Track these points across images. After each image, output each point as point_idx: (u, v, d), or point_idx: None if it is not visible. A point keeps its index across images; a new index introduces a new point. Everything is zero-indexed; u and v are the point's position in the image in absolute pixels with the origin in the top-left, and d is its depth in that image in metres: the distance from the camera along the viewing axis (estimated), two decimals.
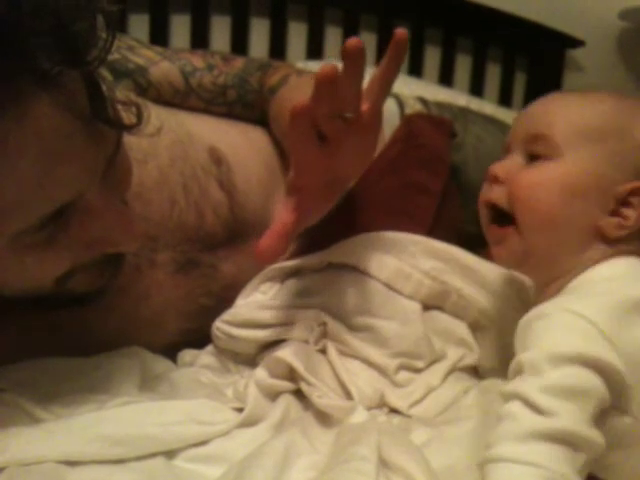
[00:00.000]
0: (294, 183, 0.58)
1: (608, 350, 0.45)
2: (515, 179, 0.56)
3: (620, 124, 0.54)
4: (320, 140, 0.54)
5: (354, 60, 0.50)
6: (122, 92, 0.72)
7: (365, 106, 0.55)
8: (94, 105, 0.49)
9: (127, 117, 0.55)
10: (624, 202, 0.53)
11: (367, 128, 0.56)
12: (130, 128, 0.54)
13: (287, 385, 0.61)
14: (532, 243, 0.55)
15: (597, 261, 0.54)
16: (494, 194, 0.58)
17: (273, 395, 0.61)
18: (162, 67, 0.78)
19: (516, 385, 0.45)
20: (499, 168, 0.58)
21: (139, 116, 0.55)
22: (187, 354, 0.71)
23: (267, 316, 0.67)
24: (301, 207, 0.58)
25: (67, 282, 0.56)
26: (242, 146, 0.78)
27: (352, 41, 0.49)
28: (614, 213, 0.54)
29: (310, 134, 0.53)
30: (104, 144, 0.51)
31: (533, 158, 0.56)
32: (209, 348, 0.71)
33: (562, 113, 0.56)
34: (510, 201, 0.56)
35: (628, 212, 0.53)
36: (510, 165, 0.57)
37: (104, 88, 0.51)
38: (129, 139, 0.63)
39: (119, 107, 0.55)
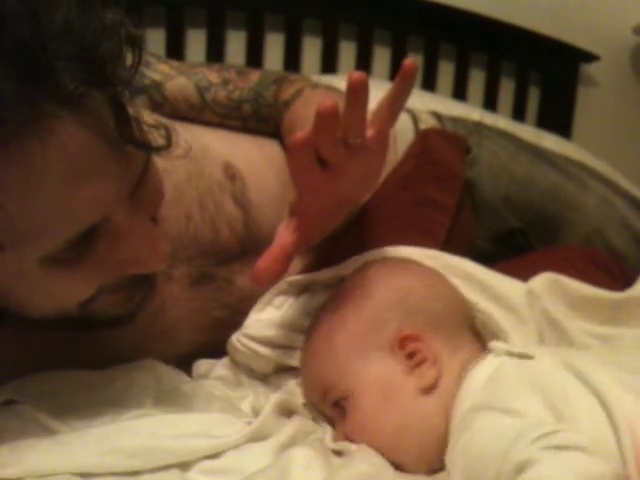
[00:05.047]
0: (297, 206, 0.58)
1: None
2: (349, 434, 0.58)
3: None
4: (323, 165, 0.54)
5: (358, 94, 0.50)
6: (146, 113, 0.72)
7: (371, 132, 0.54)
8: (120, 126, 0.49)
9: (155, 139, 0.55)
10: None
11: (373, 153, 0.56)
12: (157, 150, 0.54)
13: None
14: None
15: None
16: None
17: (289, 412, 0.62)
18: (178, 82, 0.78)
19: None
20: (337, 438, 0.59)
21: (168, 138, 0.56)
22: (202, 364, 0.71)
23: (284, 336, 0.68)
24: (303, 229, 0.58)
25: (90, 305, 0.56)
26: (257, 160, 0.78)
27: (356, 75, 0.49)
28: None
29: (311, 161, 0.53)
30: (131, 165, 0.51)
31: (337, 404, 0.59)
32: (224, 360, 0.71)
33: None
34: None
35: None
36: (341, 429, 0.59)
37: (130, 110, 0.51)
38: None
39: (147, 129, 0.55)
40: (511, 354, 0.56)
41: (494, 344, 0.58)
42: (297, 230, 0.58)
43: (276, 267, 0.57)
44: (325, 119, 0.50)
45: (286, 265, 0.58)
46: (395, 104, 0.55)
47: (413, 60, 0.52)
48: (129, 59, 0.50)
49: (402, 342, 0.58)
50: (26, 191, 0.46)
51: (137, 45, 0.50)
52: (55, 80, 0.44)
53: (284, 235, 0.58)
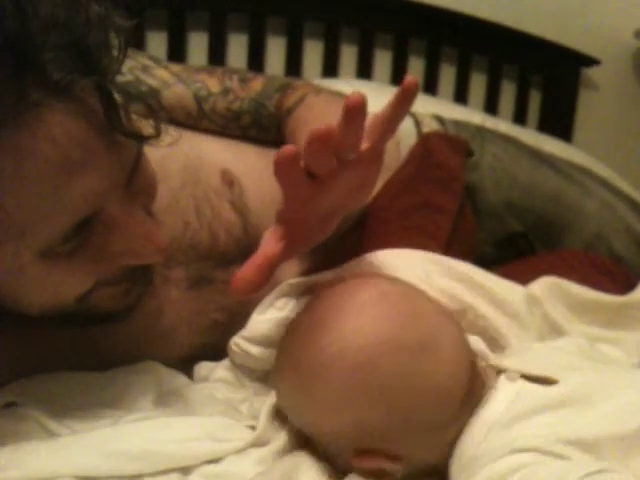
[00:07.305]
0: (283, 214, 0.56)
1: None
2: None
3: None
4: (310, 177, 0.52)
5: (355, 116, 0.48)
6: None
7: (365, 145, 0.53)
8: (109, 115, 0.49)
9: (145, 129, 0.55)
10: None
11: (366, 167, 0.54)
12: (147, 138, 0.54)
13: None
14: None
15: None
16: None
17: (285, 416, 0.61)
18: (175, 91, 0.77)
19: None
20: None
21: (157, 128, 0.55)
22: (203, 367, 0.71)
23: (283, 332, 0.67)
24: (289, 238, 0.55)
25: (88, 298, 0.56)
26: (256, 166, 0.77)
27: (354, 97, 0.48)
28: None
29: (299, 172, 0.51)
30: (123, 155, 0.51)
31: None
32: (225, 362, 0.70)
33: None
34: None
35: None
36: None
37: (118, 100, 0.51)
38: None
39: (136, 118, 0.55)
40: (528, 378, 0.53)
41: (506, 364, 0.56)
42: (283, 239, 0.55)
43: (258, 278, 0.53)
44: (318, 143, 0.48)
45: (268, 276, 0.54)
46: (393, 120, 0.53)
47: (415, 78, 0.50)
48: (116, 50, 0.50)
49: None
50: (18, 182, 0.46)
51: (123, 37, 0.50)
52: (42, 70, 0.44)
53: (269, 244, 0.55)
